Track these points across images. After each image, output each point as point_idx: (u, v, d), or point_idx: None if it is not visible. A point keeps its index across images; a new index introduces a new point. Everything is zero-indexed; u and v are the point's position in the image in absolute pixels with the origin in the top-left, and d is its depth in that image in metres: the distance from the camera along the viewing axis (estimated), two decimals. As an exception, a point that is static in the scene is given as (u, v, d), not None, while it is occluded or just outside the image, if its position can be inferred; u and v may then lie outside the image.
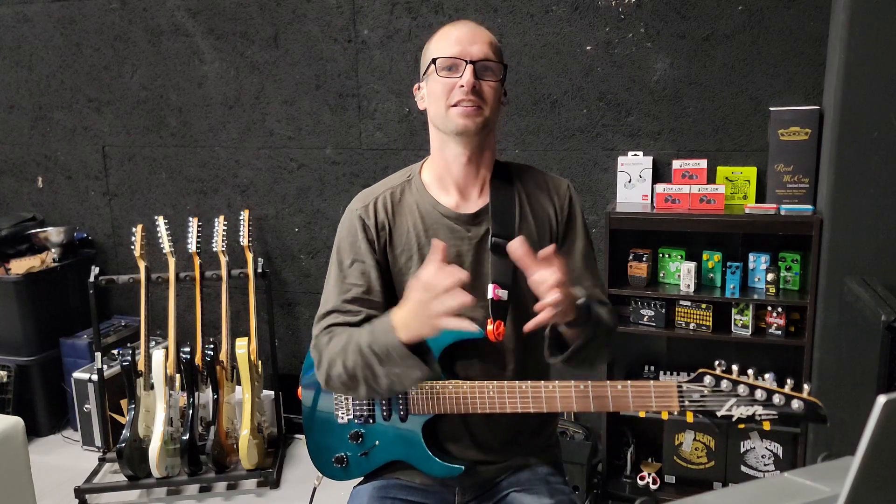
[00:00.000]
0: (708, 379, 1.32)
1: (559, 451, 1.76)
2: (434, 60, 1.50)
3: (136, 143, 3.64)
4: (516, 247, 1.33)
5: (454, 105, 1.48)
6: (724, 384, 1.31)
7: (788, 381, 1.30)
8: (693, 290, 2.70)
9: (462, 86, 1.46)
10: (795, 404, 1.27)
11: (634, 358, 3.00)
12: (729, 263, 2.68)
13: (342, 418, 1.64)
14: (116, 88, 3.60)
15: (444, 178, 1.59)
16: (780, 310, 2.62)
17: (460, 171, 1.56)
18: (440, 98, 1.50)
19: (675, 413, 1.39)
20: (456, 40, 1.49)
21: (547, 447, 1.71)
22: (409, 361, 1.38)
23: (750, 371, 1.32)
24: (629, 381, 1.39)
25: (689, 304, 2.71)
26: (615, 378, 2.88)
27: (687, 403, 1.34)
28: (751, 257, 2.70)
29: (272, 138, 3.42)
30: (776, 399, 1.28)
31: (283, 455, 3.30)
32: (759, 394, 1.29)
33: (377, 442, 1.62)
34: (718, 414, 1.32)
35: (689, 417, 1.39)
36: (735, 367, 1.32)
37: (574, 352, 1.44)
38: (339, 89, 3.26)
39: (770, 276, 2.62)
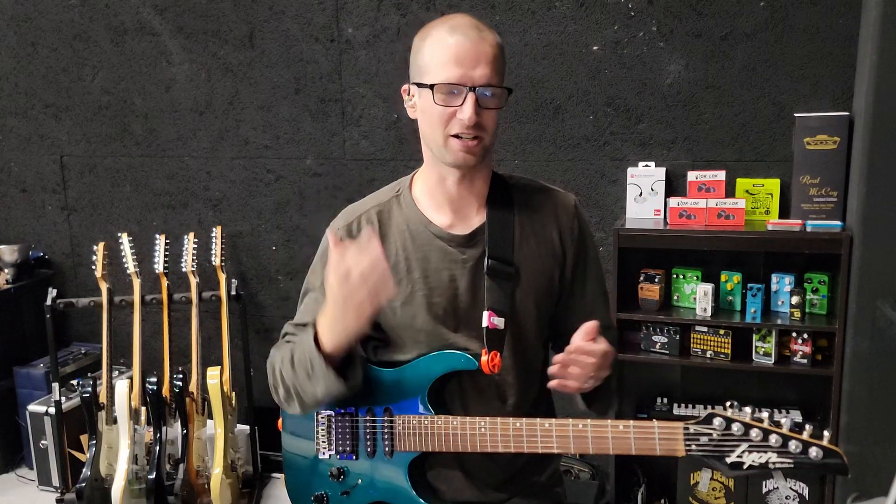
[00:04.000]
0: (717, 421, 1.30)
1: (563, 491, 1.73)
2: (432, 86, 1.43)
3: (97, 152, 3.61)
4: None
5: (452, 136, 1.44)
6: (736, 427, 1.29)
7: (807, 426, 1.27)
8: (710, 314, 2.68)
9: (462, 119, 1.42)
10: (814, 452, 1.24)
11: (645, 389, 2.97)
12: (749, 285, 2.65)
13: (323, 453, 1.63)
14: (76, 92, 3.58)
15: (436, 193, 1.56)
16: (805, 336, 2.58)
17: (454, 188, 1.54)
18: (436, 126, 1.45)
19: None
20: (456, 59, 1.41)
21: (549, 486, 1.68)
22: (325, 372, 1.44)
23: (764, 414, 1.29)
24: (631, 422, 1.37)
25: (705, 329, 2.69)
26: (625, 410, 2.94)
27: (694, 448, 1.32)
28: (774, 278, 2.67)
29: (247, 147, 3.39)
30: (792, 446, 1.25)
31: (260, 496, 3.28)
32: (773, 439, 1.26)
33: (360, 481, 1.61)
34: (728, 460, 1.30)
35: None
36: (748, 409, 1.30)
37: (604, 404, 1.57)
38: (321, 94, 3.23)
39: (795, 300, 2.59)
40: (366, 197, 1.64)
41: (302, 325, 1.59)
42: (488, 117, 1.44)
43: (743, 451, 1.28)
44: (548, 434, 1.42)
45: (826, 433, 1.26)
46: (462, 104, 1.41)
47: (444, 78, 1.42)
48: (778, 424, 1.28)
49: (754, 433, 1.27)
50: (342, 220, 1.59)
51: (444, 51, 1.43)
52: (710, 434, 1.30)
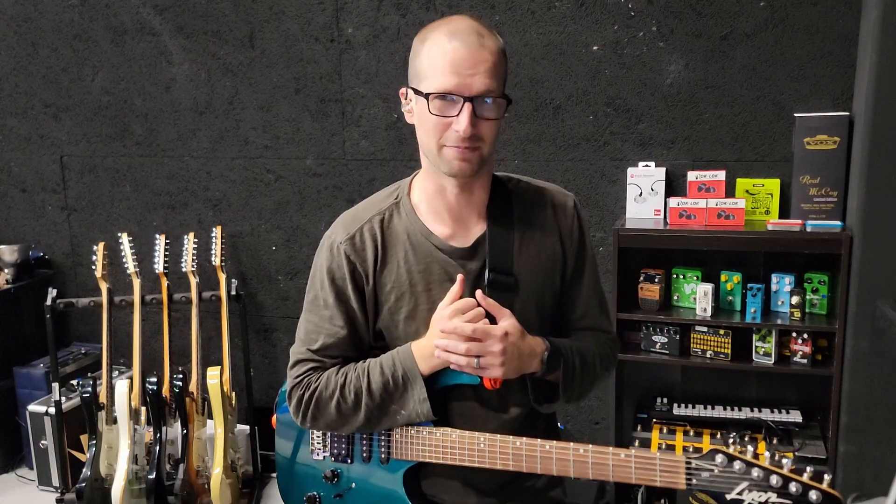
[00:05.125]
0: (720, 458, 1.32)
1: (563, 492, 1.71)
2: (427, 95, 1.37)
3: (97, 152, 3.58)
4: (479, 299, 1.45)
5: (448, 145, 1.40)
6: (737, 465, 1.31)
7: (808, 468, 1.29)
8: (710, 314, 2.67)
9: (458, 130, 1.36)
10: (813, 496, 1.25)
11: (646, 389, 2.95)
12: (749, 285, 2.64)
13: (318, 455, 1.63)
14: (76, 93, 3.55)
15: (435, 203, 1.53)
16: (805, 336, 2.57)
17: (454, 198, 1.51)
18: (431, 135, 1.41)
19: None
20: (452, 66, 1.34)
21: (549, 488, 1.66)
22: (421, 399, 1.46)
23: (766, 453, 1.32)
24: (633, 451, 1.39)
25: (705, 329, 2.68)
26: (624, 410, 2.96)
27: (695, 482, 1.34)
28: (773, 278, 2.66)
29: (247, 147, 3.37)
30: (792, 487, 1.27)
31: (260, 496, 3.26)
32: (774, 480, 1.28)
33: (353, 484, 1.60)
34: (728, 497, 1.31)
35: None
36: (750, 448, 1.33)
37: (560, 401, 1.54)
38: (321, 94, 3.22)
39: (795, 300, 2.58)
40: (362, 203, 1.59)
41: (337, 343, 1.55)
42: (486, 127, 1.38)
43: (743, 489, 1.29)
44: (548, 456, 1.42)
45: (826, 476, 1.27)
46: (458, 115, 1.35)
47: (439, 87, 1.35)
48: (780, 464, 1.29)
49: (755, 472, 1.29)
50: (343, 232, 1.54)
51: (441, 57, 1.36)
52: (712, 470, 1.32)
